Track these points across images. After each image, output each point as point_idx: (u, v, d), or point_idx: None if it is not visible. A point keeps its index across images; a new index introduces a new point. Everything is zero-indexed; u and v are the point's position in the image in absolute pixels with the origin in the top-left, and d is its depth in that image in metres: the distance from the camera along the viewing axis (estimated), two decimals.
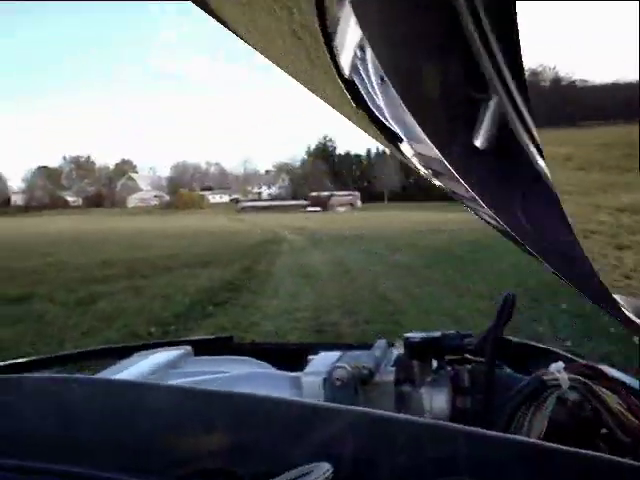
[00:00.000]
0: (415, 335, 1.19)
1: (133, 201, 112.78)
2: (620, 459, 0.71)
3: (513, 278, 10.60)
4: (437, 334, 1.19)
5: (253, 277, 11.79)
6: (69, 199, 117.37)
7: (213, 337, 1.82)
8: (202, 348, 1.56)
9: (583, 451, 0.70)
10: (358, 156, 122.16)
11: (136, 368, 1.31)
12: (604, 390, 0.96)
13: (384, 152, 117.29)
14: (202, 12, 0.82)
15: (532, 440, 0.85)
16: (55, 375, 1.16)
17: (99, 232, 33.06)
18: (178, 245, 21.05)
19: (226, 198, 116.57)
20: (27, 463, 0.72)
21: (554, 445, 0.72)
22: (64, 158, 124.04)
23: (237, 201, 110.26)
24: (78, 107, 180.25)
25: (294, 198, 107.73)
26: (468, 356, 1.21)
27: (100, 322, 6.89)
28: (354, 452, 0.74)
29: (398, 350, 1.26)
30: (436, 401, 1.12)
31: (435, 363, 1.20)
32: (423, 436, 0.75)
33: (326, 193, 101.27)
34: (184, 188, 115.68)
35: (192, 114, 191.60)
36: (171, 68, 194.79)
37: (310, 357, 1.28)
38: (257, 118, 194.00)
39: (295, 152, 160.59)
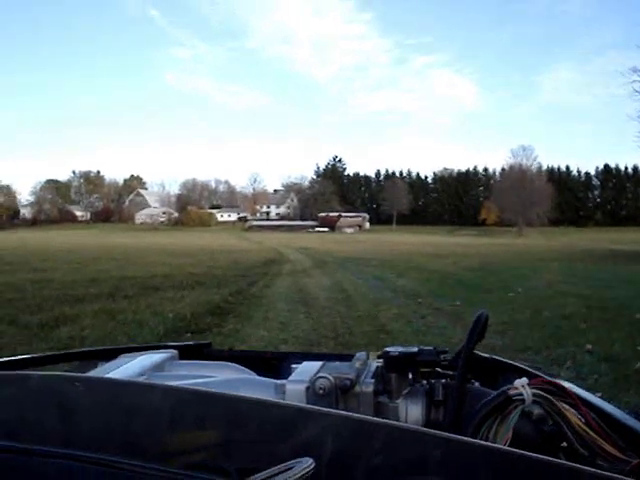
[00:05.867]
0: (394, 349, 1.25)
1: (141, 217, 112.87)
2: (579, 466, 0.76)
3: (527, 308, 9.78)
4: (414, 349, 1.25)
5: (245, 300, 10.92)
6: (77, 213, 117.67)
7: (193, 343, 1.80)
8: (181, 353, 1.57)
9: (546, 457, 0.74)
10: (368, 177, 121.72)
11: (124, 370, 1.33)
12: (564, 405, 1.01)
13: (393, 174, 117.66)
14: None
15: (497, 446, 0.91)
16: (59, 373, 1.08)
17: (102, 247, 32.61)
18: (176, 263, 20.34)
19: (234, 216, 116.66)
20: (29, 446, 0.76)
21: (518, 451, 0.77)
22: (73, 172, 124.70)
23: (245, 220, 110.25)
24: (89, 121, 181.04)
25: (302, 218, 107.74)
26: (440, 370, 1.29)
27: (51, 351, 6.06)
28: (335, 451, 0.78)
29: (377, 363, 1.29)
30: (411, 412, 1.19)
31: (411, 376, 1.27)
32: (398, 439, 0.79)
33: (334, 214, 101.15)
34: (192, 206, 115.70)
35: (203, 132, 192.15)
36: (184, 86, 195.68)
37: (293, 366, 1.30)
38: (267, 137, 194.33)
39: (304, 172, 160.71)
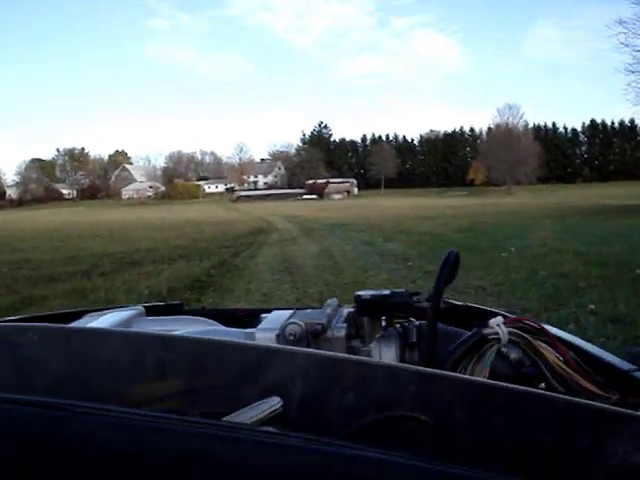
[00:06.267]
0: (365, 293, 1.23)
1: (128, 192, 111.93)
2: (557, 395, 0.77)
3: (521, 267, 9.37)
4: (387, 292, 1.23)
5: (227, 272, 10.46)
6: (64, 192, 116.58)
7: (164, 303, 1.78)
8: (152, 313, 1.53)
9: (523, 388, 0.75)
10: (354, 142, 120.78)
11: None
12: (542, 344, 1.01)
13: (380, 138, 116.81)
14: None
15: (474, 378, 0.91)
16: (11, 324, 1.04)
17: (87, 225, 32.12)
18: (161, 237, 19.93)
19: (222, 187, 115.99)
20: None
21: (496, 382, 0.80)
22: (58, 150, 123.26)
23: (233, 190, 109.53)
24: (70, 98, 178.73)
25: (290, 186, 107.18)
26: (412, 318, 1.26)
27: None
28: (305, 391, 0.77)
29: (349, 309, 1.28)
30: (385, 355, 1.17)
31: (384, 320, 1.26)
32: (371, 375, 0.78)
33: (322, 181, 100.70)
34: (179, 178, 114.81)
35: (186, 103, 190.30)
36: (165, 58, 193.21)
37: (263, 315, 1.30)
38: (252, 106, 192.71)
39: (291, 140, 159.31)
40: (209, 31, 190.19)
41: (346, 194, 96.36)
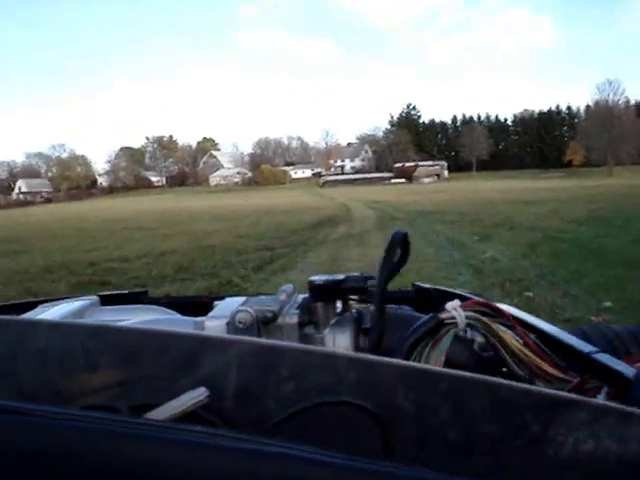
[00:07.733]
0: (319, 278, 1.20)
1: (215, 179, 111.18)
2: (501, 380, 0.74)
3: None
4: (340, 276, 1.20)
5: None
6: (153, 179, 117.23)
7: (127, 292, 1.75)
8: (116, 302, 1.53)
9: (467, 374, 0.73)
10: (444, 124, 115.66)
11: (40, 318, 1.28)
12: (501, 327, 0.98)
13: (471, 118, 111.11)
14: None
15: (415, 364, 0.89)
16: None
17: (155, 214, 29.60)
18: (207, 231, 16.88)
19: (308, 173, 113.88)
20: None
21: (437, 368, 0.79)
22: (147, 138, 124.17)
23: (319, 175, 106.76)
24: (158, 85, 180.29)
25: (378, 170, 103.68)
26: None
27: None
28: (240, 381, 0.76)
29: (304, 295, 1.26)
30: (339, 341, 1.15)
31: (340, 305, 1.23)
32: (309, 363, 0.77)
33: (411, 164, 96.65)
34: (266, 164, 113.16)
35: (273, 89, 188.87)
36: (252, 44, 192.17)
37: (216, 302, 1.28)
38: (339, 90, 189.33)
39: (378, 123, 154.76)
40: (296, 16, 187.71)
41: (436, 177, 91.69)
